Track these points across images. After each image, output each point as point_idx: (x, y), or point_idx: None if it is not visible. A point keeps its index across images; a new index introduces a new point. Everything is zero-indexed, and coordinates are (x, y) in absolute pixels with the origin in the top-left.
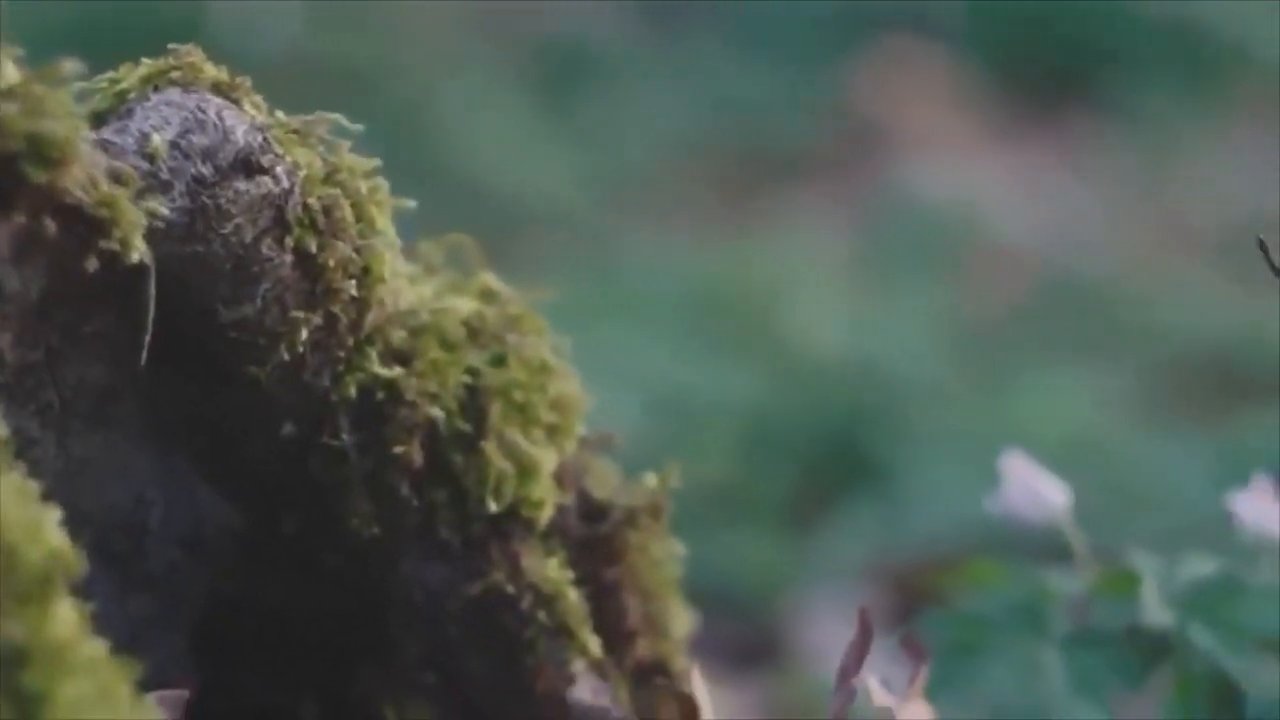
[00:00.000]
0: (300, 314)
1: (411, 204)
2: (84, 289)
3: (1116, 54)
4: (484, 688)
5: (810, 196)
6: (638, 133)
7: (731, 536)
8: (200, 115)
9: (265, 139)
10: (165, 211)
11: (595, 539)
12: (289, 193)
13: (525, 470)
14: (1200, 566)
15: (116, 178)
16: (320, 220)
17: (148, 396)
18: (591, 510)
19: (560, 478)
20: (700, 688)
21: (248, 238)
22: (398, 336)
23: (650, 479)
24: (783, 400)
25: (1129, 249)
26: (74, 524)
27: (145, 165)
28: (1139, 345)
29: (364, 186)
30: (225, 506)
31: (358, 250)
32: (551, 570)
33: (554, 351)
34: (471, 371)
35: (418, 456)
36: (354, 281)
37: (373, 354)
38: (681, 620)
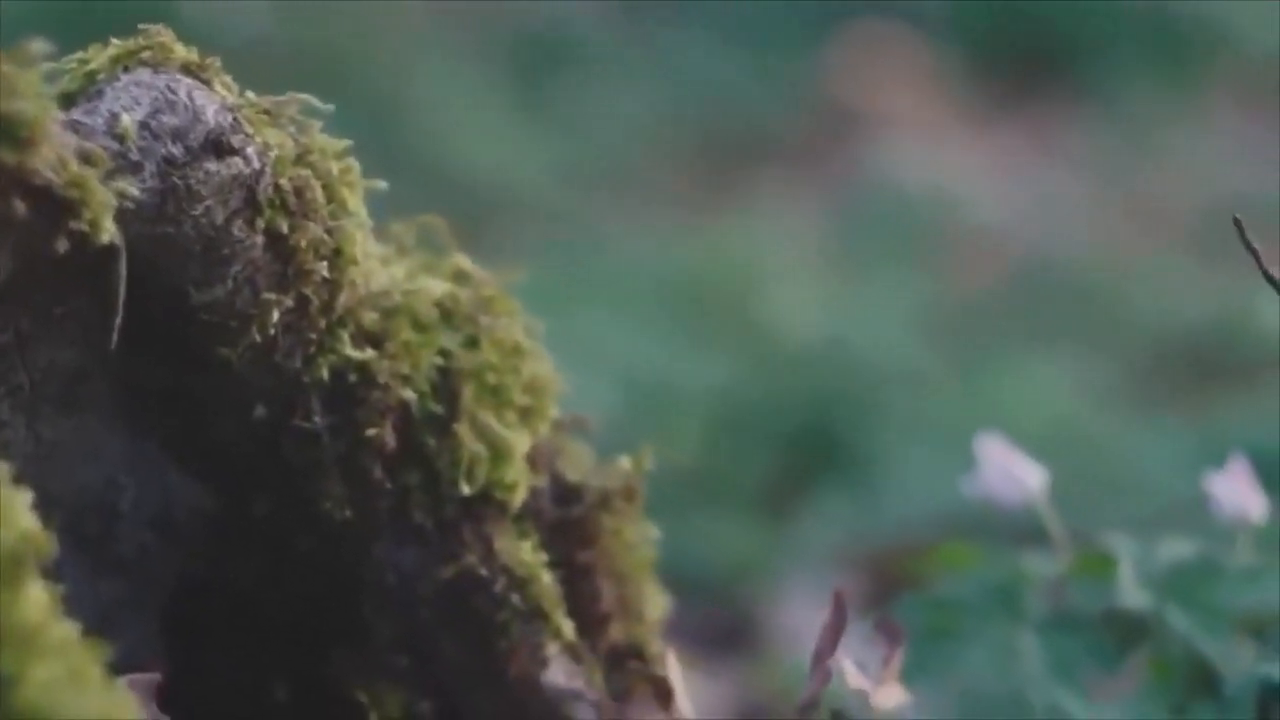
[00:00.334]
0: (272, 296)
1: (383, 185)
2: (54, 271)
3: (1093, 38)
4: (457, 671)
5: (786, 182)
6: (612, 118)
7: (706, 522)
8: (170, 95)
9: (236, 119)
10: (135, 192)
11: (569, 522)
12: (260, 174)
13: (498, 453)
14: (1177, 549)
15: (86, 158)
16: (291, 201)
17: (118, 379)
18: (565, 493)
19: (533, 460)
20: (675, 671)
21: (218, 219)
22: (370, 318)
23: (624, 462)
24: (758, 385)
25: (1105, 233)
26: (44, 507)
27: (115, 146)
28: (1115, 330)
29: (335, 167)
30: (196, 489)
31: (329, 231)
32: (525, 553)
33: (527, 333)
34: (444, 353)
35: (390, 439)
36: (326, 263)
37: (345, 336)
38: (656, 604)
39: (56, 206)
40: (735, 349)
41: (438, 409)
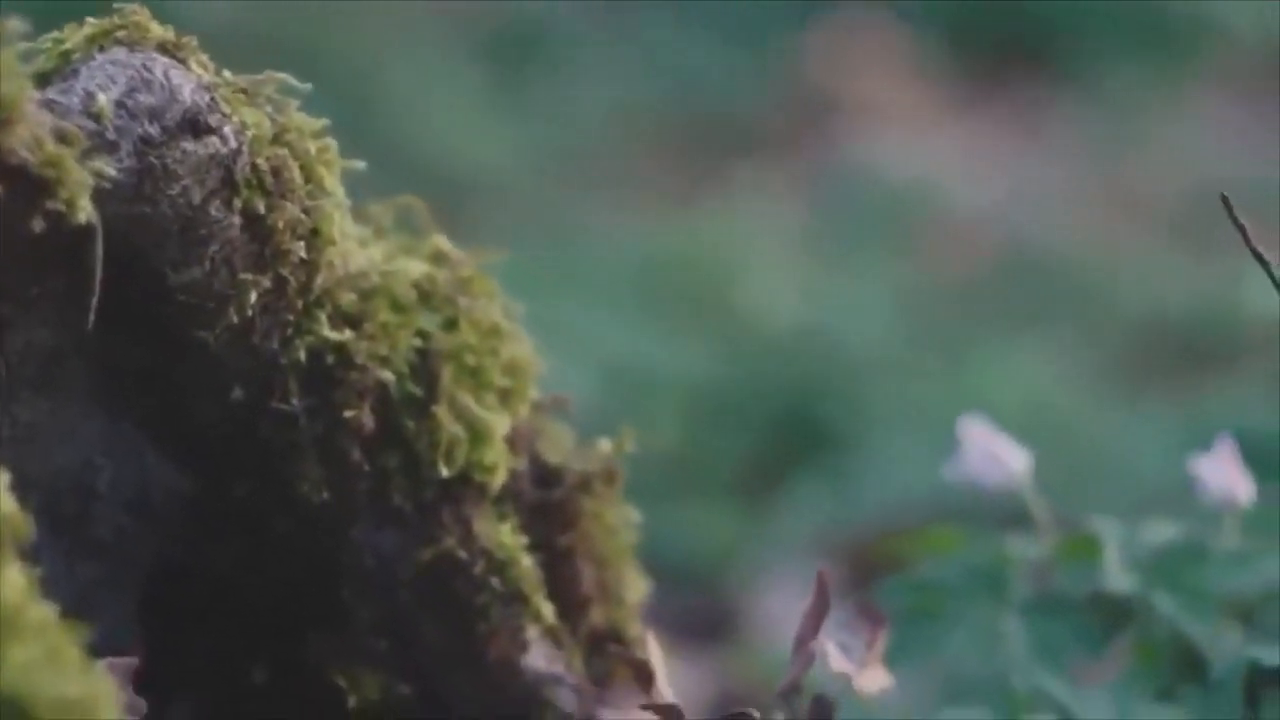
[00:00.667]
0: (249, 276)
1: (361, 165)
2: (30, 251)
3: (1073, 24)
4: (436, 654)
5: (765, 169)
6: (591, 105)
7: (686, 509)
8: (147, 74)
9: (212, 98)
10: (112, 172)
11: (549, 504)
12: (237, 153)
13: (477, 434)
14: (1162, 532)
15: (62, 137)
16: (268, 181)
17: (95, 360)
18: (545, 475)
19: (513, 442)
20: (656, 654)
21: (195, 199)
22: (347, 299)
23: (604, 444)
24: (737, 372)
25: (1087, 220)
26: (21, 489)
27: (91, 125)
28: (1097, 316)
29: (312, 147)
30: (174, 471)
31: (306, 212)
32: (504, 536)
33: (506, 315)
34: (422, 334)
35: (368, 421)
36: (303, 243)
37: (322, 317)
38: (636, 587)
39: (32, 186)
40: (714, 336)
41: (416, 390)
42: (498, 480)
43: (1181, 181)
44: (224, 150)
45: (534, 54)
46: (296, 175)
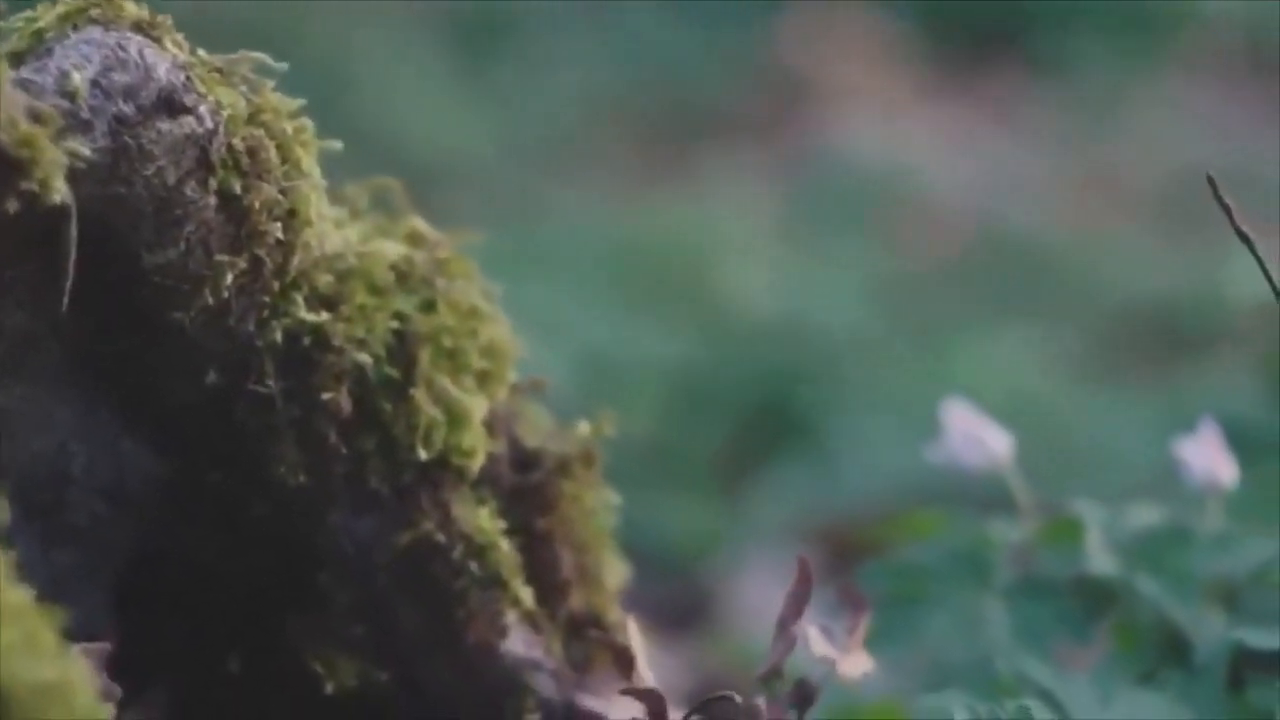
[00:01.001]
0: (224, 258)
1: (338, 145)
2: (4, 233)
3: (1049, 8)
4: (414, 639)
5: (740, 154)
6: (563, 89)
7: (662, 496)
8: (121, 53)
9: (188, 78)
10: (86, 152)
11: (527, 488)
12: (213, 133)
13: (456, 418)
14: (1145, 515)
15: (36, 117)
16: (244, 161)
17: (69, 344)
18: (523, 458)
19: (491, 425)
20: (636, 639)
21: (171, 179)
22: (324, 281)
23: (583, 427)
24: (713, 359)
25: (1063, 204)
26: None
27: (65, 104)
28: (1074, 301)
29: (289, 127)
30: (149, 456)
31: (283, 192)
32: (483, 520)
33: (484, 296)
34: (400, 316)
35: (346, 403)
36: (279, 224)
37: (299, 299)
38: (615, 572)
39: (6, 166)
40: (690, 322)
41: (394, 373)
42: (476, 463)
43: (1158, 166)
44: (200, 130)
45: (507, 39)
46: (273, 156)
